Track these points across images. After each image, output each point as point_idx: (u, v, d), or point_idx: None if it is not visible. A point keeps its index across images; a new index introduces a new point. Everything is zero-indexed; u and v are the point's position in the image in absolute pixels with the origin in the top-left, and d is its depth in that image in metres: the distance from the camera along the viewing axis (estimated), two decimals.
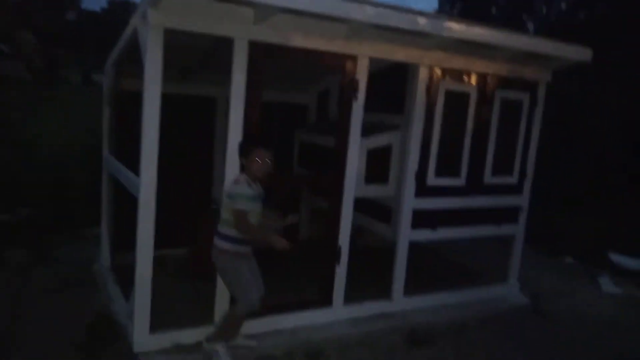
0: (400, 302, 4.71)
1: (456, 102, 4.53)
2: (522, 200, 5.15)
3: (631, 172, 9.07)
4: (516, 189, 5.09)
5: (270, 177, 3.55)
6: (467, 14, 16.30)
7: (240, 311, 3.53)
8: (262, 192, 3.57)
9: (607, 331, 4.93)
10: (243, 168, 3.53)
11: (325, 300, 4.39)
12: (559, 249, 7.40)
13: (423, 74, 4.31)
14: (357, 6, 3.46)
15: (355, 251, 4.51)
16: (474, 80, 4.60)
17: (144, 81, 3.37)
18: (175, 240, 5.15)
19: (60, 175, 8.33)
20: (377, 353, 4.18)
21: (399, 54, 4.16)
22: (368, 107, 4.25)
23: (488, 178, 4.86)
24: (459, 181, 4.71)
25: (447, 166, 4.63)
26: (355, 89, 4.09)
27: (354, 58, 4.03)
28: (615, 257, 6.84)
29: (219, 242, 3.51)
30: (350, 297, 4.52)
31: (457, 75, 4.52)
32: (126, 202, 3.97)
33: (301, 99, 6.16)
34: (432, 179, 4.58)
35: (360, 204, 4.84)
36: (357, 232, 6.08)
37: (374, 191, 4.58)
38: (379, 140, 4.47)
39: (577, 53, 4.64)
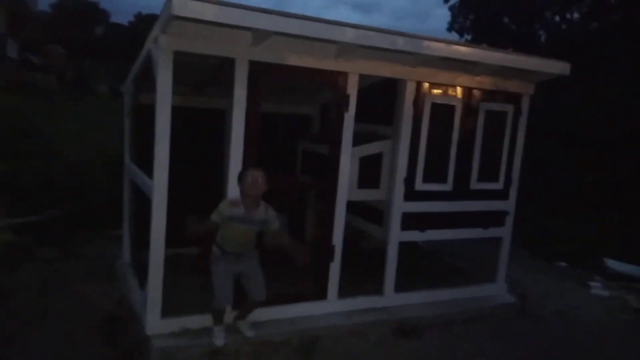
0: (391, 297, 5.09)
1: (442, 113, 4.94)
2: (509, 205, 5.49)
3: (627, 179, 9.25)
4: (502, 194, 5.43)
5: (273, 181, 3.96)
6: (479, 25, 16.58)
7: (213, 305, 4.04)
8: (260, 218, 3.91)
9: (589, 332, 5.20)
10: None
11: (320, 293, 4.80)
12: (553, 253, 7.67)
13: (410, 88, 4.73)
14: (340, 29, 3.92)
15: (359, 253, 4.88)
16: (458, 93, 4.99)
17: (156, 96, 3.88)
18: (189, 240, 5.62)
19: (87, 180, 8.94)
20: (368, 342, 4.60)
21: (387, 70, 4.60)
22: (363, 119, 4.69)
23: (474, 184, 5.23)
24: (446, 187, 5.09)
25: (434, 173, 5.01)
26: (346, 103, 4.53)
27: (344, 74, 4.48)
28: (608, 262, 7.08)
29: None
30: (347, 292, 4.92)
31: (443, 89, 4.92)
32: (144, 205, 4.42)
33: (305, 110, 6.64)
34: (420, 185, 4.97)
35: (359, 209, 5.28)
36: (362, 235, 6.53)
37: (366, 195, 5.00)
38: (370, 149, 4.89)
39: (556, 67, 4.98)
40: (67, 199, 7.98)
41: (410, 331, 4.78)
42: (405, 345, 4.62)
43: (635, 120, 9.74)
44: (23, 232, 6.61)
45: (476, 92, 5.07)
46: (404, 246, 5.08)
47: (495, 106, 5.20)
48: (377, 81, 4.89)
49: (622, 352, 4.87)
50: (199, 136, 5.84)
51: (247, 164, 4.13)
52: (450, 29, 17.80)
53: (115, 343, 4.17)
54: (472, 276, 5.98)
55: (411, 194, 4.95)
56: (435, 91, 4.89)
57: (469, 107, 5.07)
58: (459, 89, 4.99)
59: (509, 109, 5.29)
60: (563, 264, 7.42)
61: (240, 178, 3.87)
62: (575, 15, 14.74)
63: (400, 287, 5.13)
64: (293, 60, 4.21)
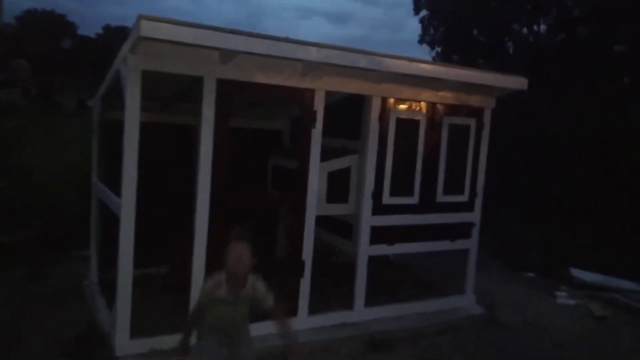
0: (361, 312, 5.14)
1: (407, 128, 5.06)
2: (474, 216, 5.63)
3: (593, 188, 9.54)
4: (468, 207, 5.57)
5: (243, 196, 3.95)
6: (450, 38, 16.92)
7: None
8: (247, 297, 3.25)
9: (555, 340, 5.33)
10: None
11: (291, 310, 4.80)
12: (522, 263, 7.85)
13: (375, 104, 4.85)
14: (305, 48, 4.02)
15: (330, 267, 4.91)
16: (423, 108, 5.13)
17: (124, 113, 3.88)
18: (157, 259, 5.58)
19: (56, 199, 8.76)
20: (339, 357, 4.61)
21: (353, 86, 4.71)
22: (332, 134, 4.77)
23: (440, 197, 5.35)
24: (412, 200, 5.20)
25: (400, 186, 5.12)
26: (314, 119, 4.60)
27: (311, 91, 4.56)
28: (574, 272, 7.28)
29: None
30: (318, 308, 4.95)
31: (407, 104, 5.05)
32: (112, 224, 4.37)
33: (276, 125, 6.69)
34: (387, 198, 5.07)
35: (330, 224, 5.33)
36: (333, 250, 6.56)
37: (334, 210, 5.06)
38: (338, 164, 4.97)
39: (515, 83, 5.18)
40: (36, 218, 7.81)
41: (380, 345, 4.83)
42: (376, 359, 4.66)
43: (600, 130, 10.06)
44: None
45: (440, 107, 5.21)
46: (375, 260, 5.16)
47: (458, 120, 5.35)
48: (346, 96, 4.99)
49: (587, 358, 5.01)
50: (168, 152, 5.80)
51: (216, 180, 4.14)
52: (421, 41, 18.09)
53: None
54: (442, 289, 6.07)
55: (379, 208, 5.04)
56: (400, 106, 5.01)
57: (433, 121, 5.20)
58: (423, 104, 5.12)
59: (472, 122, 5.45)
60: (531, 274, 7.59)
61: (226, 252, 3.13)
62: (543, 27, 15.20)
63: (370, 301, 5.19)
64: (260, 78, 4.27)
